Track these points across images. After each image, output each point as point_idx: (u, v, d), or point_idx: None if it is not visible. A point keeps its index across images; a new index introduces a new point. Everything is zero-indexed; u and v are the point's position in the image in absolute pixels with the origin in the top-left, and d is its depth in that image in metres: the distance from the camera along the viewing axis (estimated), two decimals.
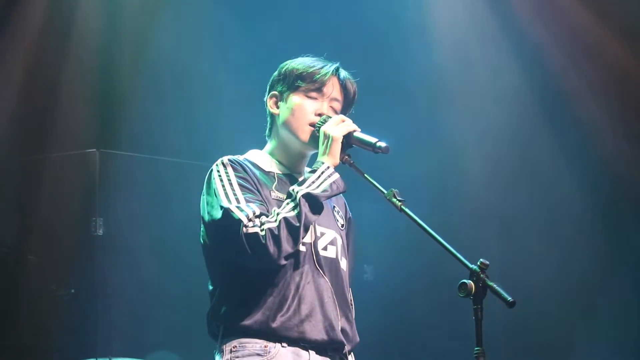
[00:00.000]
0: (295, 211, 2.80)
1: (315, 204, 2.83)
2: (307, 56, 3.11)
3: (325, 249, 2.98)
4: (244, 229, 2.74)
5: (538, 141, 5.93)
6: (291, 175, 3.05)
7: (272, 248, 2.75)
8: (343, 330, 2.95)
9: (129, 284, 5.20)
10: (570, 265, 5.85)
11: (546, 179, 5.93)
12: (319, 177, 2.87)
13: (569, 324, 5.76)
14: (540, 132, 5.91)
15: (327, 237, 3.01)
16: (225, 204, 2.81)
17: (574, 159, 5.86)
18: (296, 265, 2.89)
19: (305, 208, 2.80)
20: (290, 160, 3.08)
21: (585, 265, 5.82)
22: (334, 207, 3.14)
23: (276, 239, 2.75)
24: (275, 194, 2.95)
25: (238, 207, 2.79)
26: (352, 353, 3.02)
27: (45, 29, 5.42)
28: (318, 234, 2.97)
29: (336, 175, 2.90)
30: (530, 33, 5.74)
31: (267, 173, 3.01)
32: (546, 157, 5.92)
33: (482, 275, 2.54)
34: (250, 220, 2.76)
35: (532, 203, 5.96)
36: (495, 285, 2.52)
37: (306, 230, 2.82)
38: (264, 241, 2.74)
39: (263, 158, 3.07)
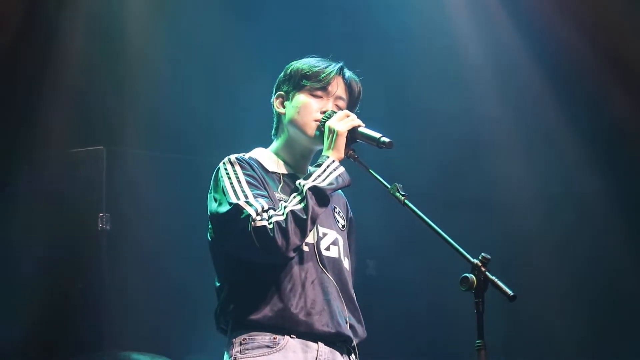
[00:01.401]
0: (303, 204, 2.84)
1: (321, 196, 2.87)
2: (312, 57, 3.17)
3: (327, 249, 3.03)
4: (253, 222, 2.78)
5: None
6: (295, 176, 3.08)
7: (280, 241, 2.78)
8: (351, 327, 3.00)
9: (136, 279, 5.23)
10: (572, 265, 5.84)
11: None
12: (325, 170, 2.92)
13: (573, 319, 5.75)
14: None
15: (329, 238, 3.06)
16: (234, 200, 2.86)
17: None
18: (301, 264, 2.93)
19: (312, 201, 2.84)
20: (295, 159, 3.13)
21: (590, 264, 5.80)
22: (335, 207, 3.18)
23: (284, 231, 2.79)
24: (280, 195, 2.99)
25: (247, 202, 2.84)
26: (356, 349, 3.05)
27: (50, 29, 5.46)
28: (320, 235, 3.02)
29: (341, 169, 2.95)
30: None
31: (271, 174, 3.06)
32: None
33: (483, 269, 2.56)
34: (258, 214, 2.80)
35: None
36: (496, 279, 2.55)
37: (313, 222, 2.86)
38: (272, 234, 2.78)
39: (268, 157, 3.11)
